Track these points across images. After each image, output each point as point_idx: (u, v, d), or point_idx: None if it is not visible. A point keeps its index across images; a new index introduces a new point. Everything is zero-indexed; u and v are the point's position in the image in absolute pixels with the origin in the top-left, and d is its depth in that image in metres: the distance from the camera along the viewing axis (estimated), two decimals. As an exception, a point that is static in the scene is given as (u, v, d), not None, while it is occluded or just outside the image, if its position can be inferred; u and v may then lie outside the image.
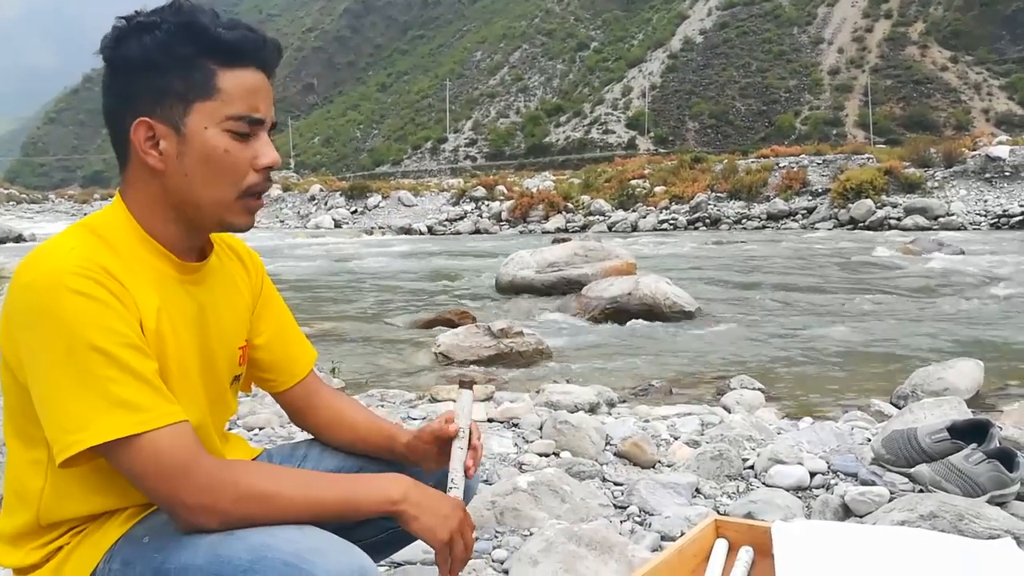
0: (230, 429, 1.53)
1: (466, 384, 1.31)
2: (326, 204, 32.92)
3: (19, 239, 21.42)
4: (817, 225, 22.45)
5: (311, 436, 1.43)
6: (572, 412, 3.08)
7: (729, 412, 3.43)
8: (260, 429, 3.01)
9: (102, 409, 0.99)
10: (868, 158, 25.93)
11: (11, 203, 44.80)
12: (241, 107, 1.09)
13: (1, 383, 1.11)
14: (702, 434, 2.87)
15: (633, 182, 28.39)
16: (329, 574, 0.96)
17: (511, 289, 8.55)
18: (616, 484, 2.37)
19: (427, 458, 1.32)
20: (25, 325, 1.01)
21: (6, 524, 1.15)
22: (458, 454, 1.24)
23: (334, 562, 0.98)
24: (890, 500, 2.03)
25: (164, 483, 1.02)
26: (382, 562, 1.54)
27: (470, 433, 1.27)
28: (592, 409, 3.40)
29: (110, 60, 1.10)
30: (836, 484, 2.28)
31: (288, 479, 1.09)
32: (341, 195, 33.29)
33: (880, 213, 21.42)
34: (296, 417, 1.41)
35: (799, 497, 2.20)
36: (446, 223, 27.75)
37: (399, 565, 1.64)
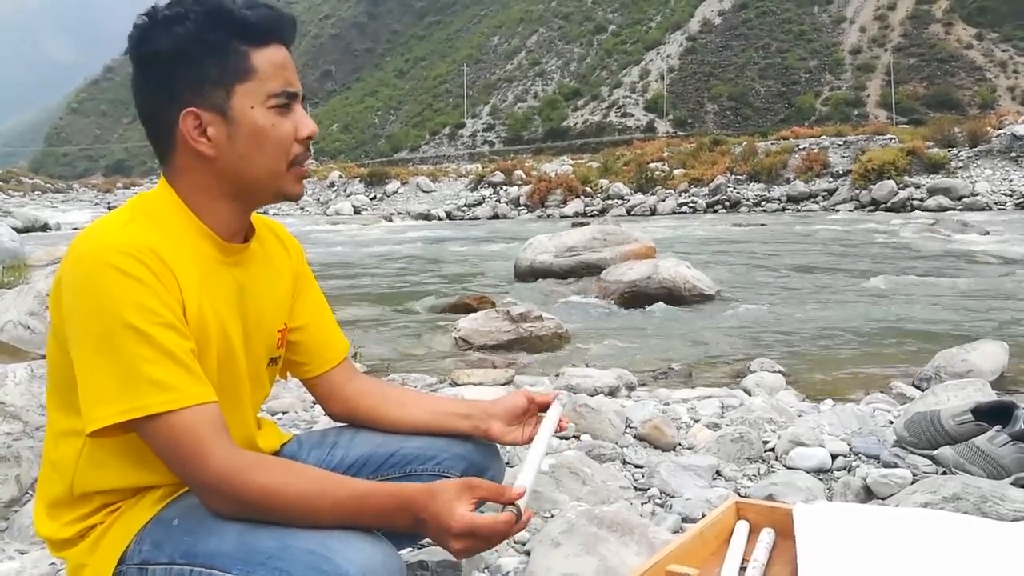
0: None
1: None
2: (345, 191, 33.04)
3: (44, 228, 21.64)
4: (838, 207, 22.23)
5: (341, 424, 1.44)
6: (592, 395, 3.09)
7: (749, 395, 3.42)
8: (284, 413, 3.04)
9: (132, 386, 1.02)
10: (890, 139, 25.63)
11: (36, 192, 45.36)
12: (278, 83, 1.14)
13: (48, 352, 1.15)
14: (722, 417, 2.87)
15: (652, 165, 28.26)
16: (352, 563, 0.97)
17: (530, 274, 8.54)
18: (637, 467, 2.37)
19: (498, 431, 1.38)
20: (70, 297, 1.05)
21: (42, 493, 1.19)
22: (536, 453, 1.21)
23: (358, 551, 0.99)
24: (913, 482, 2.02)
25: (183, 463, 1.05)
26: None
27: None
28: (612, 392, 3.40)
29: (139, 57, 1.13)
30: (858, 466, 2.27)
31: (301, 478, 1.06)
32: (360, 182, 33.39)
33: (902, 194, 21.18)
34: (327, 404, 1.42)
35: (820, 479, 2.20)
36: (464, 208, 27.78)
37: (423, 546, 1.66)
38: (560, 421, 1.35)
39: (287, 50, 1.18)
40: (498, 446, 1.44)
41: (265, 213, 1.39)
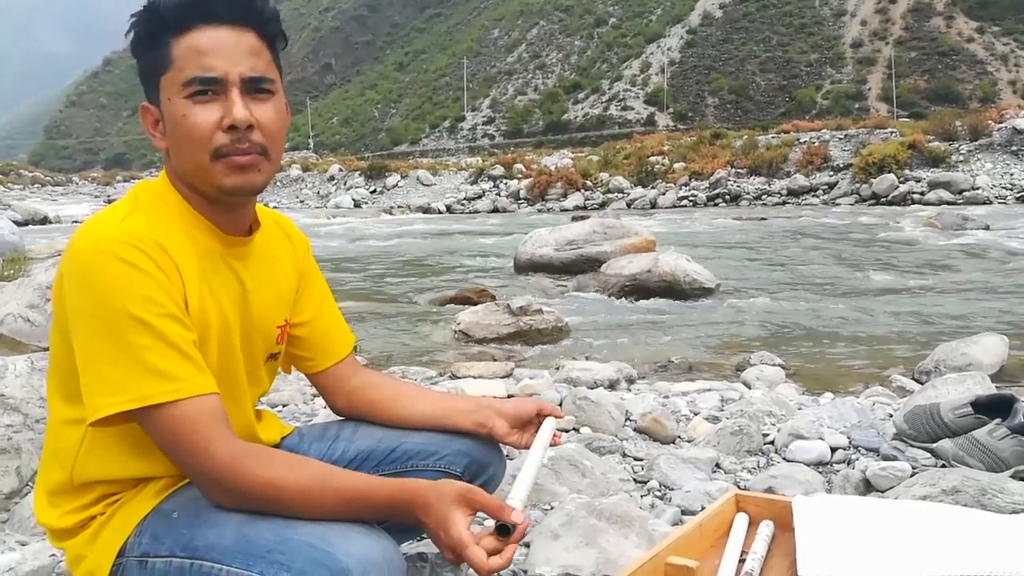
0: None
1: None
2: (345, 184, 32.99)
3: (44, 221, 21.62)
4: (838, 200, 22.22)
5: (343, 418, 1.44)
6: (592, 388, 3.09)
7: (749, 388, 3.42)
8: (284, 406, 3.04)
9: (135, 376, 1.02)
10: (891, 132, 25.56)
11: (36, 186, 45.23)
12: (190, 70, 1.09)
13: (51, 342, 1.15)
14: (722, 410, 2.87)
15: (652, 159, 28.21)
16: (352, 557, 0.97)
17: (530, 267, 8.54)
18: (636, 459, 2.37)
19: (502, 432, 1.38)
20: (73, 288, 1.05)
21: (43, 481, 1.19)
22: (529, 470, 1.20)
23: (357, 545, 0.99)
24: (912, 475, 2.02)
25: (184, 454, 1.04)
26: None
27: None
28: (612, 385, 3.41)
29: None
30: (857, 459, 2.27)
31: (302, 471, 1.06)
32: (360, 175, 33.34)
33: (903, 188, 21.16)
34: (331, 398, 1.42)
35: (820, 472, 2.20)
36: (464, 202, 27.74)
37: (422, 538, 1.66)
38: (553, 437, 1.37)
39: (240, 30, 1.11)
40: (501, 444, 1.45)
41: (265, 204, 1.39)
